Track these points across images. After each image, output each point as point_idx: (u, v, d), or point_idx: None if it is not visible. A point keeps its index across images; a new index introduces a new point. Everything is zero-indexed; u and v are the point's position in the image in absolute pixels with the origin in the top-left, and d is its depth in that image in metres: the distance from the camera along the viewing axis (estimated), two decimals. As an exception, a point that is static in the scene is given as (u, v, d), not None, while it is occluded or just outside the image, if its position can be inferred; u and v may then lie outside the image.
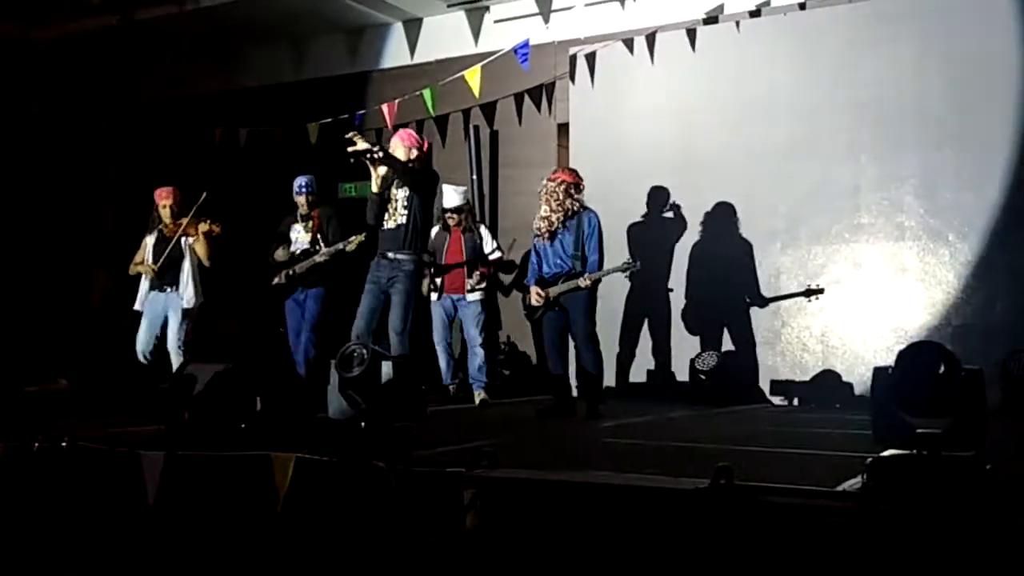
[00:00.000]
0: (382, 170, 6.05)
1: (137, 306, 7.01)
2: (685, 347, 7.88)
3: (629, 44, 8.44)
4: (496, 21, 9.31)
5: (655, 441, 4.97)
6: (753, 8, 8.11)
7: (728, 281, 7.90)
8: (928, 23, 7.46)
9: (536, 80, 8.98)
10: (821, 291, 7.57)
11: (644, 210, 8.10)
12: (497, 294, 8.92)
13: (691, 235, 8.04)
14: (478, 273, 7.70)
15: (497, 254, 8.02)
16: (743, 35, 8.07)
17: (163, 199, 7.03)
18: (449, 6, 9.43)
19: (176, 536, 3.83)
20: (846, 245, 7.66)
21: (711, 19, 8.24)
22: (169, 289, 6.94)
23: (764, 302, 7.79)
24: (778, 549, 2.84)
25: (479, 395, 7.43)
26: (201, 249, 6.95)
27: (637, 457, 4.30)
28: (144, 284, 7.02)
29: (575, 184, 6.27)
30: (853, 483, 3.15)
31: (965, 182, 7.28)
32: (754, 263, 7.85)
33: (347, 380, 4.12)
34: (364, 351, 4.13)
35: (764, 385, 7.79)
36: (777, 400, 7.71)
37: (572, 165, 7.87)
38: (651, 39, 8.36)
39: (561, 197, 6.20)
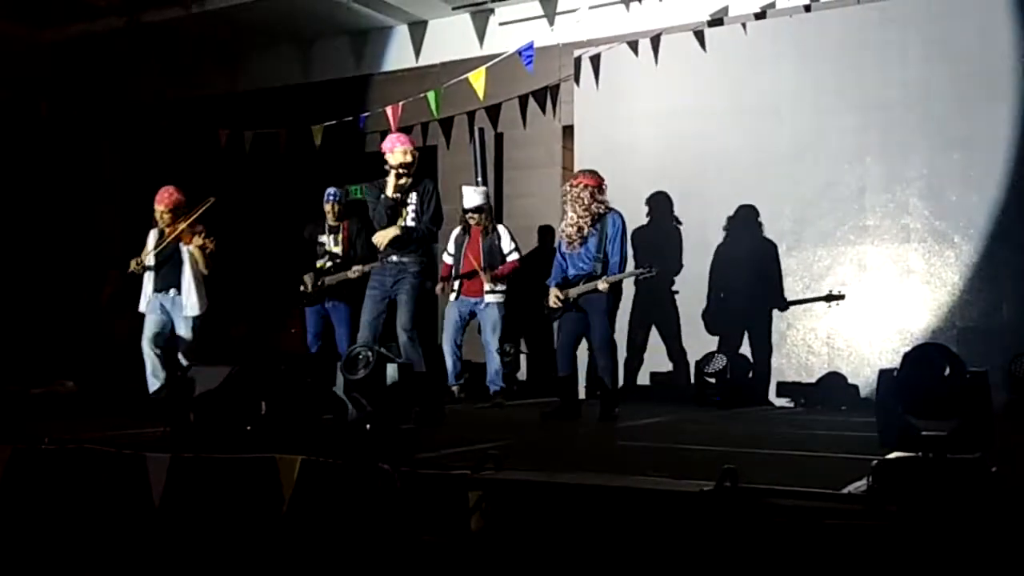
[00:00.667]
0: (401, 180, 6.05)
1: (141, 308, 7.03)
2: (694, 350, 7.86)
3: (634, 46, 8.45)
4: (501, 23, 9.32)
5: (660, 443, 4.97)
6: (758, 10, 8.11)
7: (751, 283, 7.82)
8: (934, 25, 7.44)
9: (541, 82, 8.99)
10: (842, 297, 7.51)
11: (647, 210, 8.09)
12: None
13: (701, 237, 7.99)
14: (490, 273, 7.63)
15: (515, 255, 7.85)
16: (748, 37, 8.06)
17: (159, 204, 6.95)
18: (454, 8, 9.45)
19: (181, 538, 3.83)
20: (851, 247, 7.64)
21: (716, 21, 8.23)
22: (172, 292, 6.93)
23: (785, 305, 7.75)
24: (783, 552, 2.84)
25: (494, 398, 7.45)
26: (199, 258, 6.93)
27: (642, 459, 4.29)
28: (147, 286, 7.01)
29: (598, 187, 6.20)
30: (859, 485, 3.15)
31: (971, 184, 7.27)
32: (779, 266, 7.78)
33: (352, 382, 4.12)
34: (370, 354, 4.14)
35: (770, 387, 7.79)
36: (783, 402, 7.69)
37: (576, 167, 7.87)
38: (656, 41, 8.36)
39: (587, 202, 6.14)
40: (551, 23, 9.10)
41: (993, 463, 2.95)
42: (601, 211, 6.19)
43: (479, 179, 9.01)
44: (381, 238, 6.10)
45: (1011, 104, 7.15)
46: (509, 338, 7.81)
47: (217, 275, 7.08)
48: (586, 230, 6.17)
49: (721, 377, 7.45)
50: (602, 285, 6.08)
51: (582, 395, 6.99)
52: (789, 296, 7.75)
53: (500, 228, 7.96)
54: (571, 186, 6.25)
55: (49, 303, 10.22)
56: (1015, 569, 2.64)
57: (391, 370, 4.46)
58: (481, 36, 9.43)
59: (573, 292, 6.18)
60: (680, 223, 8.05)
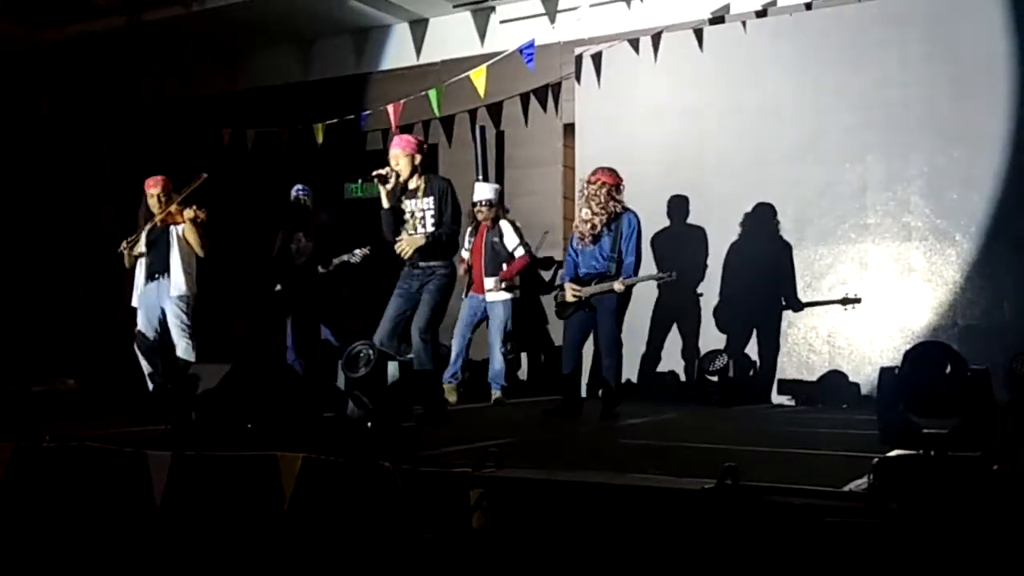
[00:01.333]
0: (389, 185, 5.80)
1: (134, 302, 6.82)
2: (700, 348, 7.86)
3: (635, 44, 8.44)
4: (502, 21, 9.31)
5: (662, 441, 4.97)
6: (759, 8, 8.10)
7: (764, 283, 7.78)
8: (934, 23, 7.44)
9: (542, 80, 8.98)
10: (858, 300, 7.46)
11: (648, 208, 8.02)
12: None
13: (715, 237, 7.95)
14: (496, 278, 7.53)
15: (521, 250, 7.64)
16: (749, 35, 8.06)
17: (150, 188, 6.82)
18: (455, 7, 9.44)
19: (183, 536, 3.84)
20: (852, 245, 7.64)
21: (717, 19, 8.23)
22: (160, 277, 6.70)
23: (800, 306, 7.70)
24: (785, 549, 2.84)
25: (495, 395, 7.43)
26: (192, 238, 6.70)
27: (643, 457, 4.29)
28: (139, 278, 6.82)
29: (616, 185, 6.15)
30: (860, 483, 3.15)
31: (972, 182, 7.26)
32: (792, 265, 7.73)
33: (353, 380, 4.12)
34: (370, 351, 4.13)
35: (772, 386, 7.78)
36: (784, 400, 7.69)
37: (577, 165, 7.87)
38: (657, 39, 8.36)
39: (604, 200, 6.09)
40: (552, 21, 9.09)
41: (994, 461, 2.95)
42: (617, 210, 6.14)
43: (479, 177, 9.00)
44: (407, 247, 5.82)
45: (1012, 102, 7.14)
46: (511, 337, 7.77)
47: (217, 273, 7.04)
48: (600, 228, 6.12)
49: (723, 375, 7.45)
50: (618, 287, 6.03)
51: (584, 393, 6.98)
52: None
53: (503, 224, 7.68)
54: (588, 182, 6.19)
55: (49, 302, 10.22)
56: (1016, 567, 2.64)
57: (392, 368, 4.46)
58: (482, 34, 9.42)
59: (588, 291, 6.14)
60: (700, 227, 7.99)
